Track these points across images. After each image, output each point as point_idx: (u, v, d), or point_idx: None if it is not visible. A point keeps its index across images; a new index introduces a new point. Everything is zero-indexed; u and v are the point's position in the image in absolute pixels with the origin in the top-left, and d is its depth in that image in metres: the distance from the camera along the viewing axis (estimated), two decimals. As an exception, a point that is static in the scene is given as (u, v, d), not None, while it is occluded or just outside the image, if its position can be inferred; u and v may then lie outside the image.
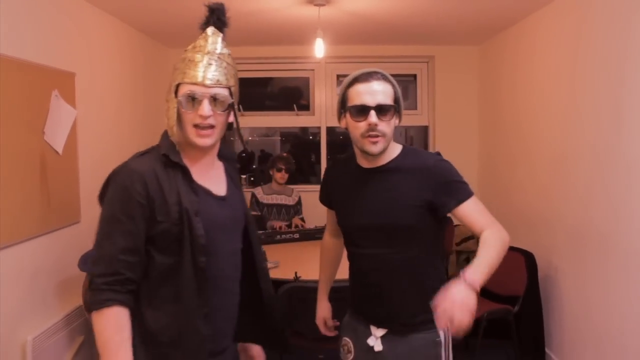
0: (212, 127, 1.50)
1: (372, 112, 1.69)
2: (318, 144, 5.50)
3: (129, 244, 1.44)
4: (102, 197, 1.54)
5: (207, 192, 1.57)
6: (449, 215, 1.76)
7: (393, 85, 1.76)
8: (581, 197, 3.18)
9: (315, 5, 3.57)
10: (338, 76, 5.45)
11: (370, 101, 1.70)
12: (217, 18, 1.60)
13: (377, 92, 1.71)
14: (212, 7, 1.61)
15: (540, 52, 3.76)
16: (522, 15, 3.94)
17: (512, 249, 3.75)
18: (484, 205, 1.75)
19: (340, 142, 5.66)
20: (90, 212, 3.45)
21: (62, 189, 3.12)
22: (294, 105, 5.50)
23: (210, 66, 1.50)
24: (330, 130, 5.48)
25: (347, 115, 1.76)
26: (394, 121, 1.75)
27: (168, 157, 1.51)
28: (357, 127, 1.73)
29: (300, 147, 6.16)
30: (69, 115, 3.19)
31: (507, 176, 4.41)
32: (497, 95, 4.70)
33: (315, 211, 4.28)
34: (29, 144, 2.79)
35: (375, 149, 1.72)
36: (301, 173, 5.81)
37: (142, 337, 1.48)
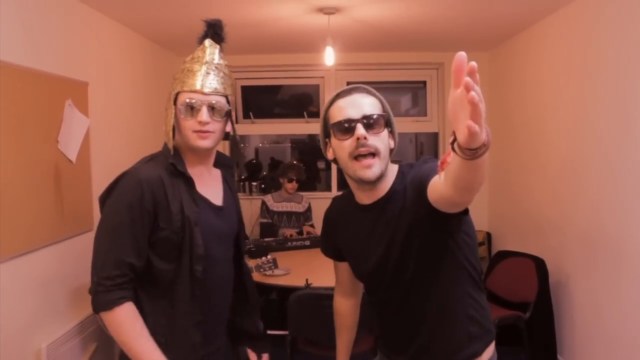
0: (210, 132, 1.56)
1: (359, 125, 1.43)
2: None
3: (134, 248, 1.49)
4: (105, 198, 1.58)
5: (207, 202, 1.63)
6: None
7: (380, 100, 1.54)
8: (592, 203, 3.17)
9: (325, 13, 3.60)
10: (348, 83, 5.45)
11: (354, 113, 1.46)
12: (214, 32, 1.65)
13: (362, 103, 1.48)
14: (210, 22, 1.67)
15: (550, 57, 3.75)
16: (531, 22, 3.95)
17: (522, 255, 3.76)
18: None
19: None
20: (103, 220, 3.48)
21: (75, 198, 3.16)
22: (304, 113, 5.54)
23: (208, 75, 1.56)
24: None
25: (332, 138, 1.51)
26: (387, 137, 1.49)
27: (175, 167, 1.56)
28: (343, 147, 1.46)
29: (309, 154, 6.18)
30: (82, 124, 3.23)
31: (518, 182, 4.40)
32: (507, 100, 4.70)
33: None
34: (43, 153, 2.83)
35: (370, 173, 1.44)
36: (310, 180, 5.83)
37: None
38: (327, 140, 1.56)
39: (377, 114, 1.46)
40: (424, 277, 1.49)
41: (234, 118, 1.67)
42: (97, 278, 1.48)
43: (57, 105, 2.97)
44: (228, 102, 1.60)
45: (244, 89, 5.49)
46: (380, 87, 5.82)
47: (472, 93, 0.88)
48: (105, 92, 3.60)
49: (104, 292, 1.46)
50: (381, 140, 1.46)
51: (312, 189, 5.79)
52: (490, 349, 1.57)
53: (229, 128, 1.65)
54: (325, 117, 1.55)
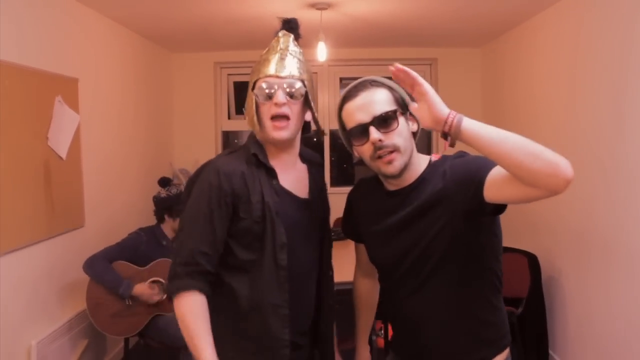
0: (287, 118, 1.54)
1: (372, 129, 1.42)
2: (321, 145, 5.49)
3: (209, 239, 1.50)
4: (191, 187, 1.59)
5: (289, 194, 1.61)
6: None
7: (390, 88, 1.50)
8: (584, 200, 3.18)
9: (318, 9, 3.59)
10: (341, 79, 5.46)
11: (364, 117, 1.43)
12: (289, 27, 1.66)
13: (370, 103, 1.45)
14: (285, 19, 1.68)
15: (542, 53, 3.76)
16: (523, 18, 3.94)
17: (515, 250, 3.76)
18: None
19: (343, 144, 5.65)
20: (94, 217, 3.47)
21: (66, 194, 3.14)
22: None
23: (282, 60, 1.56)
24: (334, 133, 5.48)
25: (353, 143, 1.52)
26: (406, 126, 1.48)
27: (257, 157, 1.57)
28: (363, 152, 1.47)
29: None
30: (73, 121, 3.20)
31: (510, 178, 4.40)
32: (499, 96, 4.70)
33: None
34: (33, 150, 2.81)
35: (392, 169, 1.44)
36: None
37: (231, 327, 1.55)
38: (350, 141, 1.55)
39: (388, 111, 1.43)
40: (443, 271, 1.45)
41: (314, 107, 1.63)
42: (173, 264, 1.52)
43: (47, 102, 2.95)
44: (305, 86, 1.57)
45: (237, 84, 5.47)
46: (372, 83, 5.59)
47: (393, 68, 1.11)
48: (96, 88, 3.57)
49: (174, 277, 1.50)
50: (398, 134, 1.44)
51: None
52: (503, 356, 1.52)
53: (308, 117, 1.64)
54: (341, 123, 1.55)
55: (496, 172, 1.28)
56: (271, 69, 1.54)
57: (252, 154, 1.57)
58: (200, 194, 1.52)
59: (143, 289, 3.08)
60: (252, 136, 1.63)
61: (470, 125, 1.27)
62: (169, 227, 3.37)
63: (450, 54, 5.24)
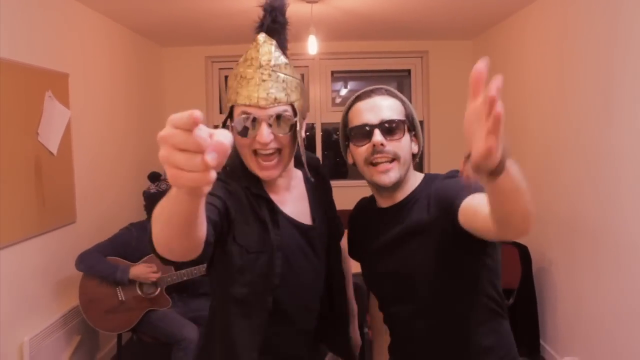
0: (277, 150, 1.31)
1: (376, 131, 1.36)
2: (312, 139, 5.49)
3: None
4: None
5: (291, 221, 1.41)
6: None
7: (403, 102, 1.43)
8: (571, 191, 3.21)
9: (308, 2, 3.58)
10: (332, 72, 5.44)
11: (372, 118, 1.37)
12: (272, 20, 1.36)
13: (380, 107, 1.38)
14: (267, 7, 1.37)
15: (530, 46, 3.77)
16: (513, 10, 3.95)
17: (506, 242, 3.78)
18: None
19: (336, 139, 5.66)
20: (86, 212, 3.46)
21: (57, 190, 3.12)
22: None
23: (264, 83, 1.28)
24: (325, 128, 5.49)
25: (351, 144, 1.43)
26: (409, 142, 1.40)
27: (249, 189, 1.36)
28: (360, 153, 1.39)
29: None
30: (63, 116, 3.19)
31: (502, 170, 4.42)
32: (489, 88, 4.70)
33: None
34: (23, 145, 2.80)
35: (387, 179, 1.36)
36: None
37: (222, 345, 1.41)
38: (347, 143, 1.46)
39: (397, 119, 1.38)
40: (435, 297, 1.37)
41: (303, 126, 1.37)
42: None
43: (37, 97, 2.93)
44: (294, 110, 1.32)
45: (228, 79, 5.43)
46: (364, 76, 5.80)
47: (499, 108, 0.80)
48: (86, 83, 3.55)
49: None
50: (401, 146, 1.37)
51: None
52: None
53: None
54: (345, 120, 1.46)
55: (470, 202, 1.19)
56: (251, 95, 1.27)
57: (245, 187, 1.36)
58: None
59: (140, 269, 3.07)
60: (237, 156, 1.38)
61: (514, 165, 0.99)
62: None
63: (441, 46, 5.25)
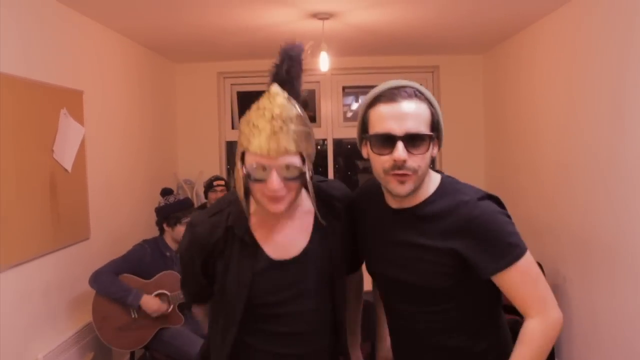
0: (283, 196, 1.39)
1: (400, 145, 1.31)
2: (324, 154, 5.50)
3: (191, 287, 1.62)
4: None
5: (268, 260, 1.47)
6: None
7: (430, 104, 1.38)
8: (585, 206, 3.17)
9: (319, 19, 3.60)
10: (344, 87, 5.47)
11: (397, 129, 1.31)
12: (287, 70, 1.41)
13: (407, 115, 1.33)
14: (285, 54, 1.42)
15: (542, 60, 3.76)
16: (524, 25, 3.95)
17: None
18: (537, 268, 1.43)
19: (348, 151, 5.67)
20: (100, 229, 3.48)
21: (71, 207, 3.15)
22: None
23: (274, 135, 1.33)
24: (337, 142, 5.49)
25: (368, 144, 1.39)
26: (431, 152, 1.37)
27: (232, 230, 1.47)
28: (380, 162, 1.36)
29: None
30: (78, 133, 3.22)
31: (513, 184, 4.40)
32: (501, 103, 4.70)
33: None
34: (38, 163, 2.82)
35: (402, 190, 1.35)
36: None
37: None
38: (363, 137, 1.42)
39: (424, 133, 1.33)
40: (442, 305, 1.41)
41: (311, 173, 1.42)
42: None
43: (52, 115, 2.96)
44: (303, 159, 1.37)
45: (240, 94, 5.49)
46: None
47: None
48: (101, 100, 3.59)
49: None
50: (422, 160, 1.34)
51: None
52: None
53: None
54: (365, 116, 1.41)
55: (510, 282, 1.35)
56: (262, 146, 1.32)
57: (229, 226, 1.47)
58: (181, 245, 1.59)
59: (151, 304, 3.07)
60: (237, 197, 1.47)
61: None
62: (170, 237, 3.35)
63: (451, 61, 5.25)
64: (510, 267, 1.32)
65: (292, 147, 1.34)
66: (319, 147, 5.58)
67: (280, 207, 1.38)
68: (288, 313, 1.48)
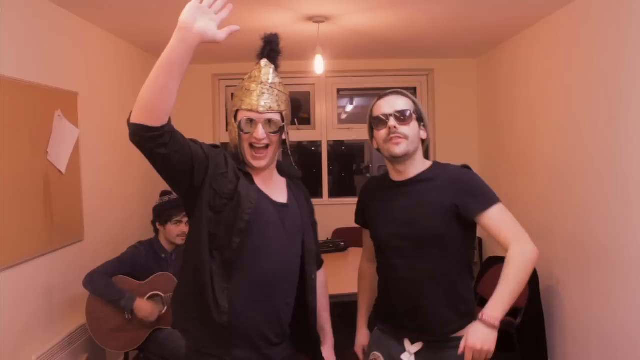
0: (266, 146, 1.73)
1: (391, 118, 1.81)
2: (319, 156, 5.51)
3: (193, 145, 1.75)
4: None
5: (266, 196, 1.76)
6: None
7: (413, 101, 1.88)
8: (580, 208, 3.19)
9: (315, 22, 3.61)
10: (339, 90, 5.49)
11: (388, 109, 1.83)
12: (271, 49, 1.79)
13: (395, 102, 1.84)
14: (267, 39, 1.81)
15: (537, 64, 3.79)
16: (519, 29, 3.98)
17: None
18: (511, 214, 1.80)
19: (342, 153, 5.68)
20: (94, 230, 3.48)
21: (65, 208, 3.14)
22: (295, 120, 5.52)
23: (262, 95, 1.72)
24: (332, 144, 5.50)
25: (374, 130, 1.88)
26: (417, 128, 1.85)
27: (239, 167, 1.75)
28: (380, 135, 1.85)
29: (301, 160, 6.17)
30: (72, 135, 3.22)
31: (507, 187, 4.42)
32: (496, 106, 4.73)
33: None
34: (32, 164, 2.82)
35: (398, 149, 1.80)
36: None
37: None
38: (372, 133, 1.90)
39: (407, 109, 1.83)
40: (430, 251, 1.80)
41: (288, 130, 1.82)
42: None
43: (46, 116, 2.96)
44: (282, 117, 1.76)
45: (235, 90, 5.45)
46: (370, 94, 5.81)
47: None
48: (95, 102, 3.59)
49: None
50: (410, 129, 1.82)
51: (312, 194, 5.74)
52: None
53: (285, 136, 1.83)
54: (370, 114, 1.89)
55: (492, 219, 1.77)
56: (253, 103, 1.71)
57: (236, 166, 1.74)
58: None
59: (144, 308, 3.06)
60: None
61: (500, 314, 1.66)
62: (164, 238, 3.35)
63: (446, 64, 5.28)
64: (492, 207, 1.75)
65: (275, 106, 1.73)
66: (313, 149, 5.59)
67: (262, 162, 1.73)
68: (272, 250, 1.72)
